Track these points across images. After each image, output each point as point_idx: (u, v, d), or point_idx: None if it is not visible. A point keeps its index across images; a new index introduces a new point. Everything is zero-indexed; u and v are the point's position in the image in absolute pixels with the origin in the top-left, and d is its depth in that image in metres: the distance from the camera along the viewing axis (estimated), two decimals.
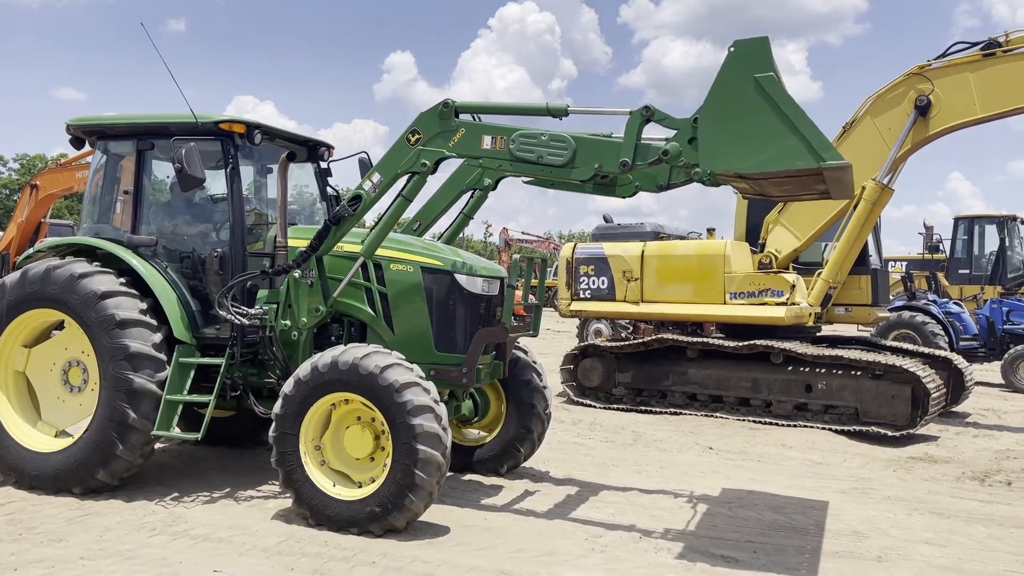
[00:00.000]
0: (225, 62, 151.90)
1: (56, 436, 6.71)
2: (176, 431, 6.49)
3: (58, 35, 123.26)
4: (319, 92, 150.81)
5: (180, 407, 6.45)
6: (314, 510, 5.75)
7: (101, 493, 6.39)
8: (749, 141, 5.03)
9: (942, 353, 11.46)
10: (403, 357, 5.83)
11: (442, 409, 5.66)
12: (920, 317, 14.69)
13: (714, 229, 13.57)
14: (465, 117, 6.12)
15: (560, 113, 6.00)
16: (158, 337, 6.39)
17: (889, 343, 11.82)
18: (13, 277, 6.66)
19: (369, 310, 6.55)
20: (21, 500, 6.26)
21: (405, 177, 6.21)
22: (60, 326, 6.81)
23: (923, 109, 10.71)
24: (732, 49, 5.07)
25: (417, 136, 6.11)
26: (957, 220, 21.54)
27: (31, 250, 7.21)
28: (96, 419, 6.31)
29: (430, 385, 5.72)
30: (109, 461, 6.26)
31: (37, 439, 6.63)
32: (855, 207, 11.03)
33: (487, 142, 5.96)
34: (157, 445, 7.03)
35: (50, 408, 6.78)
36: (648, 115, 5.51)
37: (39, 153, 58.42)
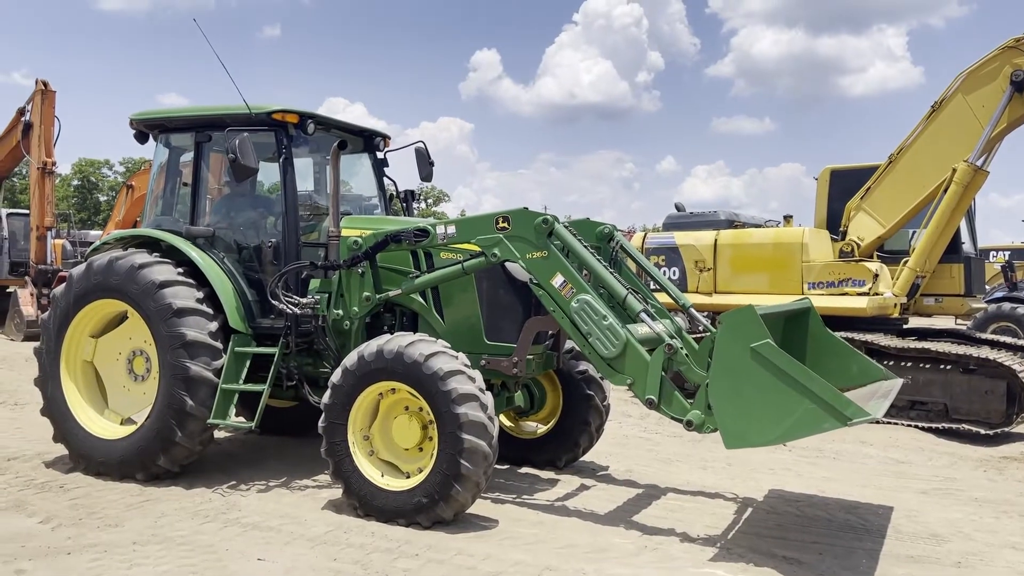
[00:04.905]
0: (317, 65, 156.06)
1: (122, 424, 6.87)
2: (234, 419, 6.55)
3: (163, 42, 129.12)
4: (407, 92, 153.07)
5: (236, 396, 6.52)
6: (363, 500, 5.70)
7: (163, 479, 6.51)
8: (765, 414, 4.93)
9: None
10: (448, 345, 5.72)
11: (488, 398, 5.53)
12: (1022, 309, 13.77)
13: (791, 216, 12.98)
14: (555, 241, 5.89)
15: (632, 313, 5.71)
16: (214, 326, 6.47)
17: (984, 336, 11.08)
18: (79, 268, 6.84)
19: (420, 299, 6.47)
20: (87, 486, 6.42)
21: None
22: (125, 316, 6.97)
23: (1020, 85, 10.03)
24: (721, 323, 5.12)
25: (504, 226, 5.98)
26: None
27: (97, 242, 7.42)
28: (156, 407, 6.43)
29: (475, 373, 5.59)
30: (169, 448, 6.37)
31: (104, 427, 6.80)
32: (945, 191, 10.39)
33: (558, 280, 5.77)
34: (219, 433, 7.13)
35: (116, 396, 6.95)
36: (671, 354, 5.39)
37: (142, 157, 61.05)
